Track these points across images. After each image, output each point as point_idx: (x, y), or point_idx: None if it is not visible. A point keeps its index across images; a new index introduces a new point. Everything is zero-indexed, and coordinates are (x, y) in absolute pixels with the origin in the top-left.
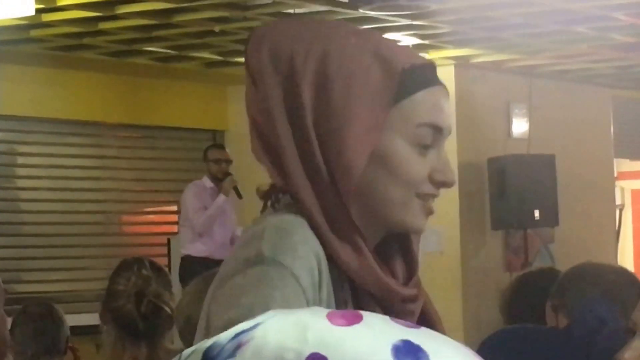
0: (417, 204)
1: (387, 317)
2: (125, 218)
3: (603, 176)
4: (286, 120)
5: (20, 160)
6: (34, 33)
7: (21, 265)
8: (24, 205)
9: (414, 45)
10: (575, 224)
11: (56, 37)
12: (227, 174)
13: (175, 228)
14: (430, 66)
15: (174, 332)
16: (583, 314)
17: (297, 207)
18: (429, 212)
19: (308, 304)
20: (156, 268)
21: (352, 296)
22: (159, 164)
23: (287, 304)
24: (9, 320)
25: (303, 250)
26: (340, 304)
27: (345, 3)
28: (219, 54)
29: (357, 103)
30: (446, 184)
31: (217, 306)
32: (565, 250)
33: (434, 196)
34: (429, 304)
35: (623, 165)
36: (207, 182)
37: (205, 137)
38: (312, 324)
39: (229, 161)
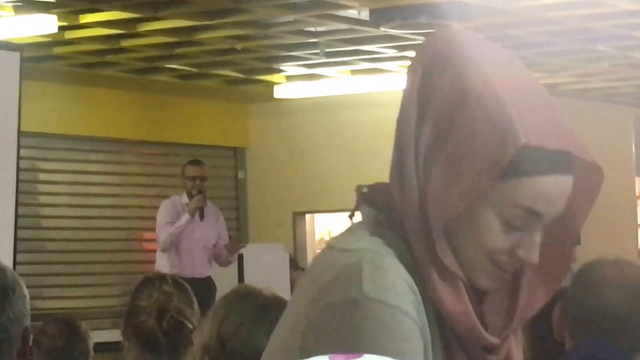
0: (491, 268)
1: (386, 357)
2: (147, 235)
3: (624, 195)
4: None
5: (43, 176)
6: (57, 50)
7: (42, 282)
8: (46, 222)
9: None
10: (597, 243)
11: (79, 54)
12: (200, 192)
13: None
14: (559, 153)
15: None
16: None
17: (395, 232)
18: (502, 278)
19: (420, 333)
20: (178, 284)
21: (437, 329)
22: (180, 181)
23: (409, 340)
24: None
25: (401, 286)
26: (434, 338)
27: (366, 21)
28: (241, 71)
29: (468, 163)
30: (526, 264)
31: (328, 345)
32: None
33: (513, 267)
34: (514, 355)
35: None
36: (184, 198)
37: (226, 155)
38: None
39: (204, 178)
